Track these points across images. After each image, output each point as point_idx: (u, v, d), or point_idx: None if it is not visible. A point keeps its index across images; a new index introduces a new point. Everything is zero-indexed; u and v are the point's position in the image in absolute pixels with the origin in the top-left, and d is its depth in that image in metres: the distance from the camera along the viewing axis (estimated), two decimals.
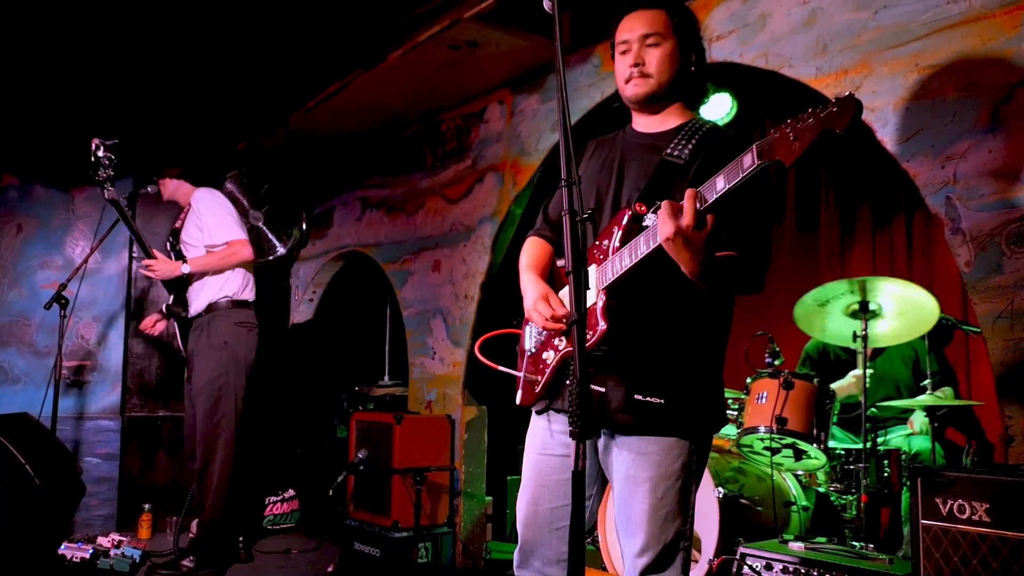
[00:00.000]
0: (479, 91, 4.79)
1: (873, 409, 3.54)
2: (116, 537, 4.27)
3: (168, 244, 4.36)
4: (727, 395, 3.71)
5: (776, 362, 3.38)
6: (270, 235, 5.95)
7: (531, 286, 2.04)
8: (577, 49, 4.04)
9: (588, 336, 1.82)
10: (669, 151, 1.91)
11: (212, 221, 4.18)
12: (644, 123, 2.05)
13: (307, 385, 6.26)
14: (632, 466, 1.87)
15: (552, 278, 2.16)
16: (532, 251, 2.20)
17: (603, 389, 1.86)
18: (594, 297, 1.85)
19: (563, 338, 1.94)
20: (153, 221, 5.42)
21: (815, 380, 3.30)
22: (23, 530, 3.62)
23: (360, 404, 5.66)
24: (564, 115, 1.59)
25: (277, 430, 5.93)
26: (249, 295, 4.27)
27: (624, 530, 1.91)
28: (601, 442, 1.95)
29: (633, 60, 1.96)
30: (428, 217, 5.22)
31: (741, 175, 1.56)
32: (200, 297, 4.16)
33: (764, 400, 3.28)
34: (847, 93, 1.48)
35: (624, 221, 1.86)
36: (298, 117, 5.12)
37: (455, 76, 4.49)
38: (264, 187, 5.83)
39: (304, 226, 6.20)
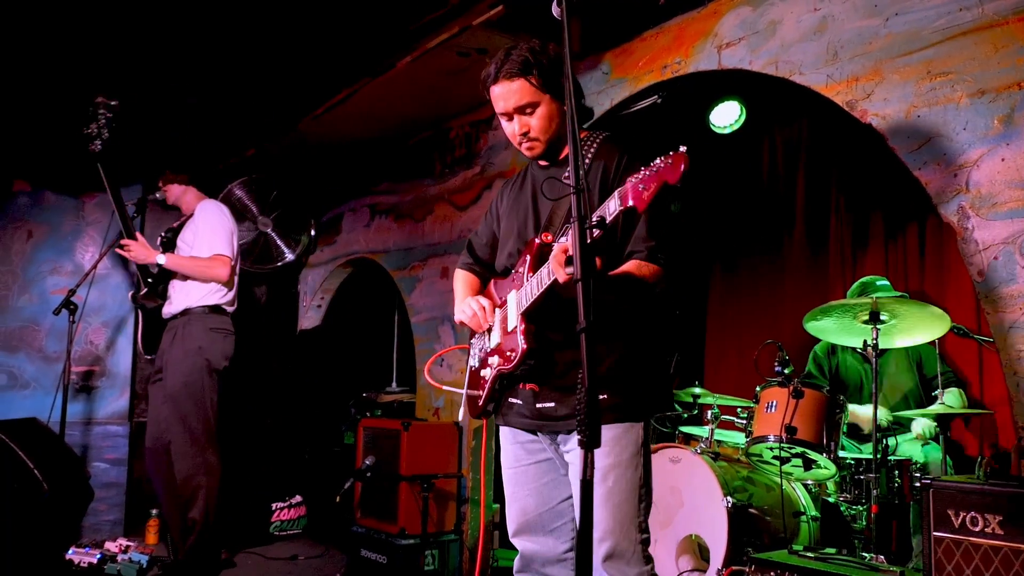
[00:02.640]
0: (488, 98, 4.79)
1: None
2: (124, 542, 4.27)
3: (161, 238, 4.38)
4: (736, 403, 3.70)
5: (786, 371, 3.35)
6: (279, 241, 5.97)
7: (465, 290, 2.32)
8: (586, 56, 4.03)
9: (511, 356, 2.01)
10: (566, 175, 2.01)
11: (207, 231, 4.24)
12: (546, 157, 2.18)
13: (315, 391, 6.26)
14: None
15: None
16: (465, 280, 2.38)
17: (552, 404, 2.04)
18: (515, 321, 2.02)
19: (497, 356, 2.09)
20: (161, 225, 5.45)
21: (825, 389, 3.27)
22: (31, 535, 3.63)
23: (368, 410, 5.65)
24: (573, 122, 1.64)
25: (284, 436, 5.93)
26: (228, 303, 4.29)
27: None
28: (560, 444, 2.09)
29: (520, 129, 2.10)
30: (437, 224, 5.22)
31: (609, 218, 1.72)
32: (179, 299, 4.19)
33: (774, 409, 3.26)
34: (680, 149, 1.63)
35: (534, 250, 2.02)
36: (307, 124, 5.13)
37: (464, 83, 4.49)
38: (273, 193, 5.85)
39: (312, 232, 6.22)
